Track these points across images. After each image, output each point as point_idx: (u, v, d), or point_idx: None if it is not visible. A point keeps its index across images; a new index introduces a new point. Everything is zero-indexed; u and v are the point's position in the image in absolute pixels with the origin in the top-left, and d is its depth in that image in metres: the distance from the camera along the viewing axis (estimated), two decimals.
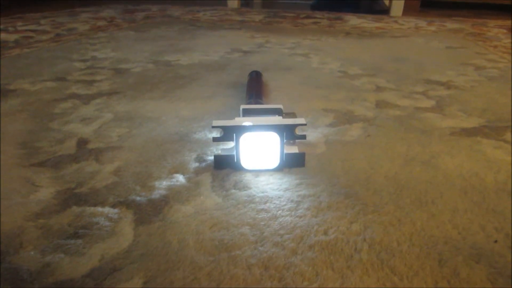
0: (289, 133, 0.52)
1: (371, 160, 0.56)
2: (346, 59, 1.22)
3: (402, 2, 2.10)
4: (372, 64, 1.14)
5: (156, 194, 0.47)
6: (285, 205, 0.45)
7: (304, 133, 0.53)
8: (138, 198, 0.46)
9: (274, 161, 0.53)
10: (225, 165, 0.53)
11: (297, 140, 0.59)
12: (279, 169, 0.53)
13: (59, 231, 0.40)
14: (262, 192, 0.48)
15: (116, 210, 0.44)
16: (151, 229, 0.40)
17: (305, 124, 0.52)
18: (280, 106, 0.60)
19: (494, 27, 2.02)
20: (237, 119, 0.53)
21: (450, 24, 2.06)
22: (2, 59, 1.14)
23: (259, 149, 0.53)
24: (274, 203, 0.46)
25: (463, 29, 1.93)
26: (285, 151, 0.53)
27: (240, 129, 0.51)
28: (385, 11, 2.25)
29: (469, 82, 0.98)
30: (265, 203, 0.46)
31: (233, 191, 0.48)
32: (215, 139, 0.52)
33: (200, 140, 0.62)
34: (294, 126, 0.52)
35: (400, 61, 1.19)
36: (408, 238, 0.39)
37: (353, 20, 2.10)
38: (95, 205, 0.45)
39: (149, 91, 0.86)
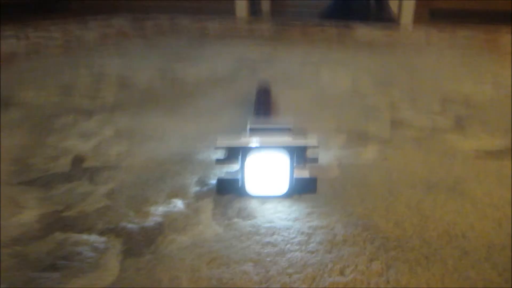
0: (299, 156, 0.47)
1: (390, 186, 0.50)
2: (357, 74, 1.17)
3: (412, 10, 2.05)
4: (384, 80, 1.09)
5: (150, 221, 0.43)
6: (294, 238, 0.40)
7: (316, 156, 0.48)
8: (129, 225, 0.41)
9: (282, 186, 0.48)
10: (228, 190, 0.48)
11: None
12: (288, 196, 0.48)
13: (35, 262, 0.35)
14: (269, 222, 0.43)
15: (103, 239, 0.39)
16: (141, 263, 0.35)
17: (317, 147, 0.47)
18: (290, 126, 0.55)
19: (508, 33, 1.95)
20: (243, 138, 0.49)
21: (462, 32, 2.01)
22: (9, 68, 1.11)
23: (266, 173, 0.48)
24: (282, 236, 0.40)
25: (475, 36, 1.87)
26: (295, 176, 0.48)
27: (245, 150, 0.46)
28: (394, 19, 2.19)
29: (488, 98, 0.92)
30: (272, 235, 0.41)
31: (236, 220, 0.43)
32: (218, 161, 0.47)
33: (203, 161, 0.57)
34: (305, 148, 0.47)
35: (413, 77, 1.14)
36: (439, 280, 0.34)
37: (362, 29, 2.06)
38: (81, 231, 0.40)
39: (153, 107, 0.82)
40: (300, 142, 0.47)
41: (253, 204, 0.46)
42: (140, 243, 0.38)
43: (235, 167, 0.54)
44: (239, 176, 0.48)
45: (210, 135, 0.67)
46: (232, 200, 0.47)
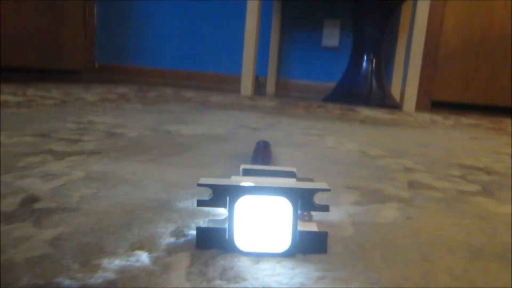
0: (305, 202, 0.36)
1: (421, 250, 0.39)
2: (364, 141, 1.09)
3: (414, 99, 2.06)
4: (393, 147, 1.01)
5: (97, 278, 0.31)
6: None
7: (325, 204, 0.37)
8: (66, 282, 0.29)
9: (283, 241, 0.37)
10: (212, 243, 0.37)
11: (314, 214, 0.43)
12: (289, 254, 0.36)
13: None
14: (270, 271, 0.31)
15: None
16: None
17: (329, 190, 0.37)
18: (294, 169, 0.45)
19: None
20: (233, 178, 0.39)
21: (467, 120, 1.98)
22: None
23: (261, 223, 0.37)
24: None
25: (481, 124, 1.83)
26: (300, 228, 0.37)
27: (236, 191, 0.36)
28: (396, 106, 2.21)
29: (508, 167, 0.83)
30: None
31: (218, 282, 0.31)
32: (200, 203, 0.37)
33: (184, 209, 0.46)
34: (313, 191, 0.36)
35: (424, 146, 1.06)
36: None
37: (366, 112, 2.04)
38: None
39: (137, 154, 0.72)
40: (306, 184, 0.37)
41: (243, 263, 0.34)
42: None
43: (222, 213, 0.43)
44: (226, 225, 0.36)
45: (196, 182, 0.57)
46: (215, 256, 0.35)
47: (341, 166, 0.75)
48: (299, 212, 0.36)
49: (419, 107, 2.50)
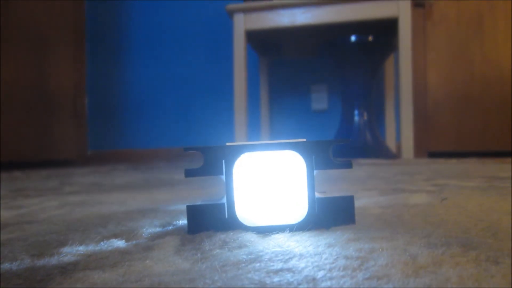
0: (322, 158, 0.29)
1: (473, 212, 0.31)
2: (368, 172, 1.02)
3: (411, 151, 2.03)
4: (401, 173, 0.94)
5: (52, 261, 0.22)
6: (333, 262, 0.20)
7: (347, 161, 0.30)
8: (8, 266, 0.21)
9: (297, 211, 0.29)
10: (208, 223, 0.29)
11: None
12: (307, 226, 0.28)
13: None
14: (279, 246, 0.23)
15: None
16: None
17: (349, 140, 0.30)
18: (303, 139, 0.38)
19: None
20: (229, 144, 0.32)
21: (467, 164, 1.93)
22: None
23: (269, 190, 0.29)
24: (307, 260, 0.20)
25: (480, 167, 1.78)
26: (317, 195, 0.29)
27: (232, 151, 0.29)
28: (394, 157, 2.19)
29: None
30: (287, 261, 0.20)
31: (218, 251, 0.23)
32: (189, 173, 0.29)
33: (173, 210, 0.38)
34: (330, 143, 0.29)
35: (432, 173, 0.99)
36: None
37: (364, 160, 1.99)
38: None
39: (117, 190, 0.65)
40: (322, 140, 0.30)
41: (250, 237, 0.26)
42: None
43: (218, 192, 0.35)
44: (224, 199, 0.29)
45: (183, 199, 0.49)
46: (212, 235, 0.27)
47: (353, 179, 0.67)
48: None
49: (416, 157, 2.46)
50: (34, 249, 0.25)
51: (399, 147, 2.32)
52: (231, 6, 1.59)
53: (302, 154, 0.28)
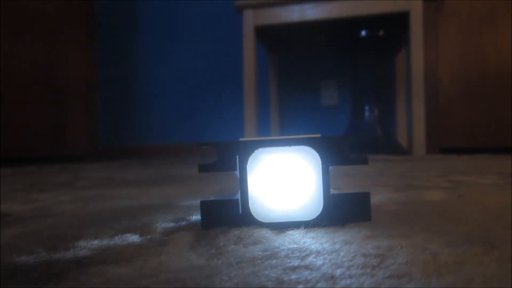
0: (337, 153, 0.29)
1: (492, 210, 0.30)
2: (381, 168, 1.01)
3: (423, 147, 2.00)
4: (413, 168, 0.93)
5: (68, 255, 0.22)
6: (351, 260, 0.19)
7: (363, 156, 0.29)
8: (24, 259, 0.21)
9: (311, 206, 0.28)
10: (221, 219, 0.28)
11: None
12: (322, 223, 0.28)
13: None
14: (295, 243, 0.22)
15: None
16: None
17: (364, 136, 0.29)
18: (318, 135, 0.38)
19: None
20: (242, 140, 0.31)
21: (483, 156, 1.90)
22: None
23: (283, 186, 0.29)
24: (324, 257, 0.20)
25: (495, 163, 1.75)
26: (332, 191, 0.29)
27: (246, 146, 0.28)
28: (405, 152, 2.16)
29: None
30: (304, 258, 0.20)
31: (232, 247, 0.23)
32: (203, 168, 0.29)
33: (186, 206, 0.38)
34: (346, 138, 0.29)
35: (446, 169, 0.98)
36: None
37: (376, 156, 1.98)
38: None
39: (130, 185, 0.65)
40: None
41: (264, 233, 0.26)
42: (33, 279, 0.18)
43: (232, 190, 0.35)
44: (238, 195, 0.28)
45: (196, 195, 0.49)
46: (226, 231, 0.27)
47: (366, 175, 0.66)
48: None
49: (428, 153, 2.42)
50: (49, 242, 0.25)
51: (410, 143, 2.31)
52: (240, 2, 1.58)
53: (317, 150, 0.28)
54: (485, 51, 2.20)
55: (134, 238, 0.26)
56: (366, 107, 2.25)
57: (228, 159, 0.29)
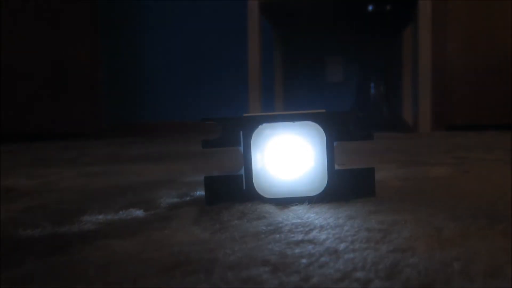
0: (342, 129, 0.28)
1: (497, 185, 0.30)
2: (386, 145, 1.01)
3: (429, 120, 1.98)
4: (419, 145, 0.93)
5: (73, 229, 0.22)
6: (355, 234, 0.19)
7: (368, 132, 0.29)
8: (30, 233, 0.21)
9: (316, 182, 0.28)
10: (226, 195, 0.28)
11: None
12: (326, 198, 0.28)
13: None
14: (298, 218, 0.22)
15: None
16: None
17: (369, 113, 0.29)
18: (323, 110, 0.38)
19: None
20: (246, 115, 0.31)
21: (490, 133, 1.89)
22: None
23: (287, 162, 0.29)
24: (328, 231, 0.20)
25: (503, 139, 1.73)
26: (337, 167, 0.28)
27: (250, 121, 0.28)
28: (410, 129, 2.13)
29: None
30: (307, 232, 0.20)
31: (236, 222, 0.23)
32: (206, 144, 0.29)
33: (190, 182, 0.38)
34: (351, 114, 0.29)
35: (452, 146, 0.97)
36: None
37: (381, 133, 1.97)
38: None
39: (135, 162, 0.65)
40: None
41: (269, 208, 0.26)
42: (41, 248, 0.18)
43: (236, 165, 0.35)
44: (242, 171, 0.28)
45: (200, 171, 0.49)
46: (230, 206, 0.27)
47: (372, 152, 0.66)
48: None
49: (433, 131, 2.40)
50: (54, 217, 0.25)
51: (416, 120, 2.29)
52: None
53: (322, 125, 0.28)
54: (494, 26, 2.15)
55: (138, 213, 0.26)
56: (372, 84, 2.22)
57: (232, 135, 0.28)
